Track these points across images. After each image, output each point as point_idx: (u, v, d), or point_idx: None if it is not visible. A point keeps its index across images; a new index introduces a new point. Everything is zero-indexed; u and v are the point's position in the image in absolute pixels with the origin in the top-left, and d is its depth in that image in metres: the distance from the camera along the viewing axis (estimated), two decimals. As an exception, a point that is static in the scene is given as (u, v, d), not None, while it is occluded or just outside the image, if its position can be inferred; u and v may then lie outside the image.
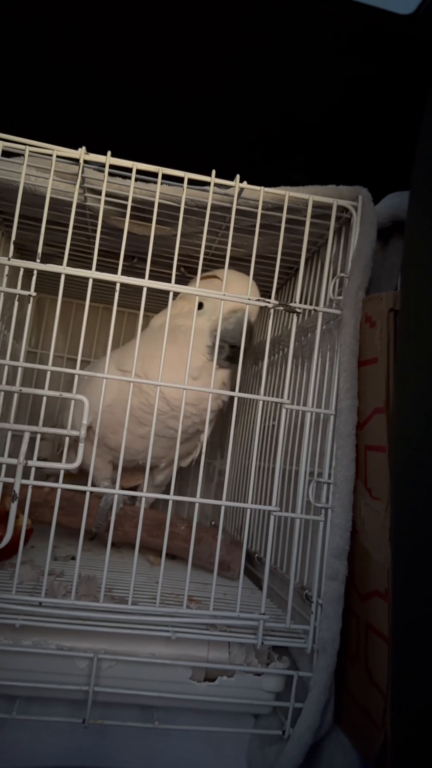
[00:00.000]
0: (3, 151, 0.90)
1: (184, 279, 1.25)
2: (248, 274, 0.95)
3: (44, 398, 0.86)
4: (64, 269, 0.88)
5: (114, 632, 0.87)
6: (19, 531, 0.90)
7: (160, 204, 0.94)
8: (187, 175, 0.92)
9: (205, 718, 0.97)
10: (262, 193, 0.94)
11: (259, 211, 0.94)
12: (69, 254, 0.89)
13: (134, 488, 1.35)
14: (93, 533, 1.20)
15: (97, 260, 0.91)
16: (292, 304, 0.94)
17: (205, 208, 0.94)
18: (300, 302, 0.95)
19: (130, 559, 0.98)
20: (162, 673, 0.91)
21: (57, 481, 0.87)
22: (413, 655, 0.68)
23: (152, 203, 0.93)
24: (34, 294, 0.88)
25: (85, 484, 0.90)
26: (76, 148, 0.90)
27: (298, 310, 0.95)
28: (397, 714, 0.71)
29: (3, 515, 0.86)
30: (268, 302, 0.93)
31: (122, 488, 1.27)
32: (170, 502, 0.90)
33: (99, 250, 0.91)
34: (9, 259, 0.87)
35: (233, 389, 0.96)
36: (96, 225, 0.93)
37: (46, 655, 0.88)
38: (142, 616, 0.88)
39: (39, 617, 0.85)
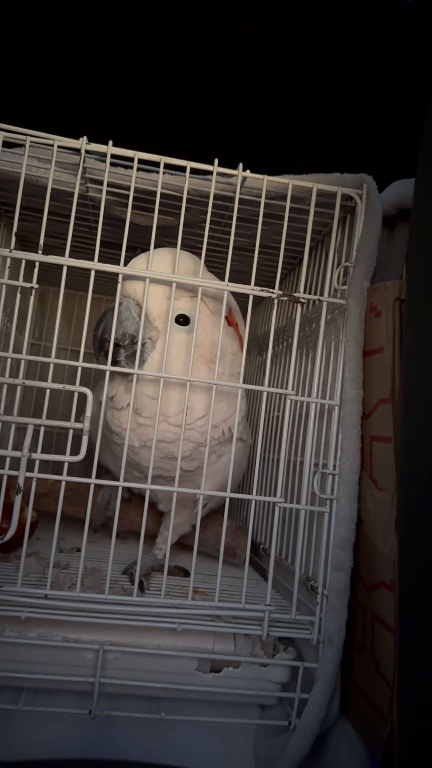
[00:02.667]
0: (4, 142, 0.90)
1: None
2: (252, 263, 0.94)
3: (47, 391, 0.86)
4: (66, 261, 0.87)
5: (119, 624, 0.87)
6: (24, 523, 0.90)
7: (162, 194, 0.93)
8: (190, 165, 0.91)
9: (211, 708, 0.97)
10: (265, 181, 0.93)
11: (263, 200, 0.93)
12: (71, 245, 0.89)
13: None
14: (94, 528, 1.20)
15: (100, 251, 0.90)
16: (296, 294, 0.94)
17: (208, 197, 0.93)
18: (304, 292, 0.95)
19: (135, 550, 0.98)
20: (168, 664, 0.91)
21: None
22: (419, 645, 0.68)
23: (154, 193, 0.92)
24: (36, 286, 0.87)
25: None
26: (77, 138, 0.90)
27: (302, 300, 0.94)
28: (404, 704, 0.71)
29: (8, 508, 0.86)
30: (272, 292, 0.92)
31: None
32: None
33: (101, 241, 0.91)
34: (11, 251, 0.87)
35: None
36: (98, 216, 0.92)
37: (52, 646, 0.88)
38: (148, 607, 0.88)
39: (44, 609, 0.85)
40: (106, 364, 0.91)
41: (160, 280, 0.94)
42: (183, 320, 0.99)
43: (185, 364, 0.95)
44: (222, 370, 1.00)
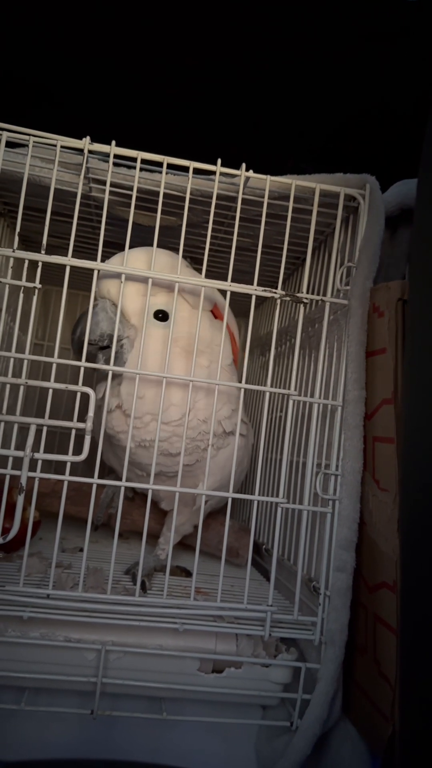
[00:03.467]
0: (7, 142, 0.90)
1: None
2: (255, 264, 0.94)
3: (50, 390, 0.86)
4: (68, 261, 0.88)
5: (122, 624, 0.87)
6: (26, 523, 0.90)
7: (165, 194, 0.93)
8: (193, 165, 0.91)
9: (213, 709, 0.97)
10: (268, 182, 0.93)
11: (266, 201, 0.93)
12: (74, 245, 0.89)
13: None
14: (95, 525, 1.20)
15: (102, 251, 0.90)
16: (299, 295, 0.94)
17: (211, 197, 0.93)
18: (307, 292, 0.94)
19: (138, 550, 0.98)
20: (170, 664, 0.91)
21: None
22: (421, 646, 0.68)
23: (157, 193, 0.92)
24: (39, 286, 0.87)
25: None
26: (80, 138, 0.90)
27: (305, 300, 0.94)
28: (405, 705, 0.71)
29: (11, 508, 0.86)
30: (275, 292, 0.92)
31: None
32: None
33: (104, 241, 0.91)
34: (14, 251, 0.87)
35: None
36: (100, 216, 0.93)
37: (54, 646, 0.88)
38: (150, 607, 0.88)
39: (47, 609, 0.85)
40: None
41: (134, 277, 0.93)
42: (162, 316, 0.98)
43: (166, 360, 0.95)
44: (207, 363, 0.98)
